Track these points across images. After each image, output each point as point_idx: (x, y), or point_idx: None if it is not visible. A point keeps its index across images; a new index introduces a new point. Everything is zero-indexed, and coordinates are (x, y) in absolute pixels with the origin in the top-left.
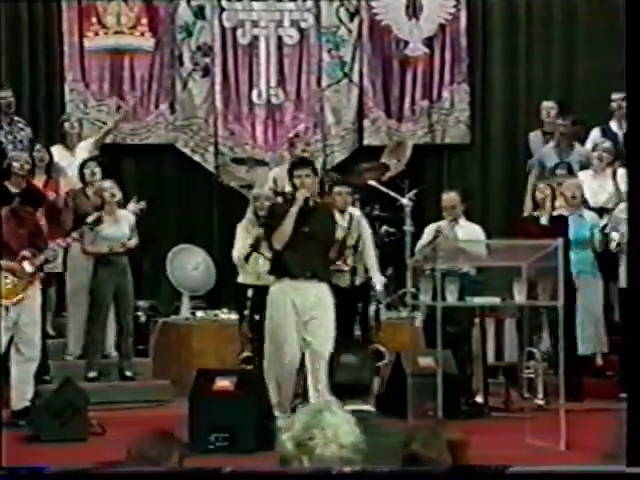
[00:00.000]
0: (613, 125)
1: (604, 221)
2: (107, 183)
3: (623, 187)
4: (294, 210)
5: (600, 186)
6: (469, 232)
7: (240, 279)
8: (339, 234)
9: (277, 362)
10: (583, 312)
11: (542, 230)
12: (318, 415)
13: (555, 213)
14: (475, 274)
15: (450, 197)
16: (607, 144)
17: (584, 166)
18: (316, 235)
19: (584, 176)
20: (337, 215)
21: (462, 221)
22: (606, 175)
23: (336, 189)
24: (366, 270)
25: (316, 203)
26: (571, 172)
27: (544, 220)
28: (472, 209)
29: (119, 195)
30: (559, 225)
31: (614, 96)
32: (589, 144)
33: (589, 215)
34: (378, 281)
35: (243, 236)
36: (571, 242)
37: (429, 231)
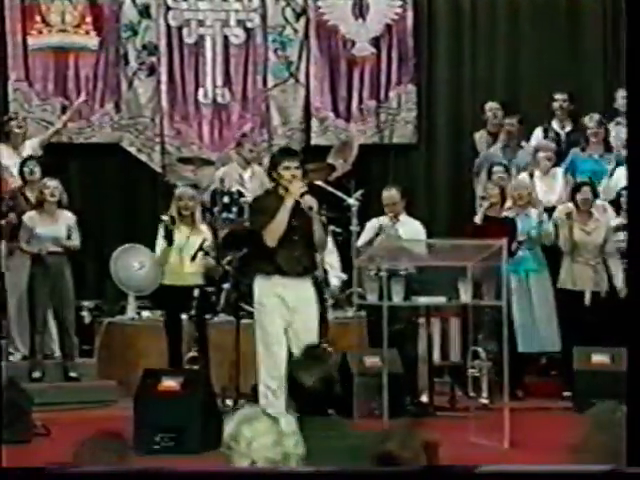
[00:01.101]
0: (555, 125)
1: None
2: (51, 182)
3: (560, 187)
4: (289, 204)
5: (548, 186)
6: (410, 228)
7: (165, 280)
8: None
9: (268, 364)
10: (534, 311)
11: (491, 231)
12: (240, 425)
13: (504, 214)
14: (419, 273)
15: (390, 194)
16: (553, 144)
17: (530, 165)
18: (305, 229)
19: (534, 176)
20: None
21: (403, 217)
22: (552, 175)
23: None
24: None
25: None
26: (508, 172)
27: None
28: (413, 205)
29: (58, 194)
30: (508, 225)
31: (557, 96)
32: (532, 144)
33: (534, 212)
34: (335, 277)
35: (165, 237)
36: (520, 241)
37: (370, 227)
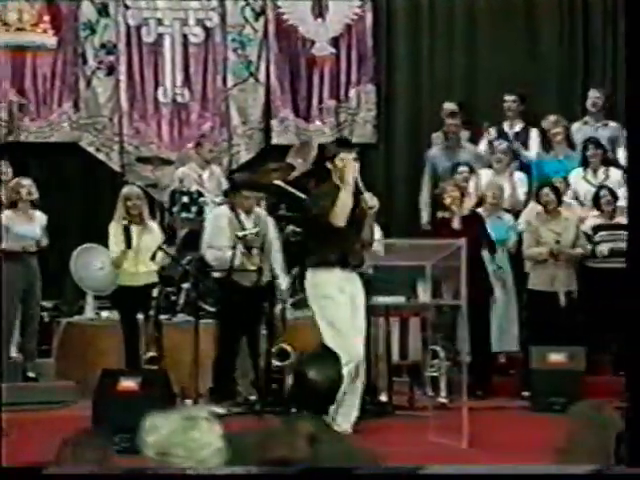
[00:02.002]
0: (505, 126)
1: (519, 221)
2: (25, 181)
3: (520, 190)
4: (349, 186)
5: (497, 186)
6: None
7: (120, 281)
8: (245, 233)
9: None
10: (498, 310)
11: (457, 231)
12: (187, 428)
13: (465, 213)
14: (378, 273)
15: None
16: (504, 145)
17: (474, 166)
18: (359, 224)
19: (485, 176)
20: (242, 216)
21: None
22: (504, 176)
23: (244, 192)
24: (272, 270)
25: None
26: (473, 171)
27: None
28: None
29: (36, 194)
30: (475, 225)
31: (506, 97)
32: (483, 145)
33: (507, 216)
34: (283, 281)
35: (120, 237)
36: (492, 242)
37: None
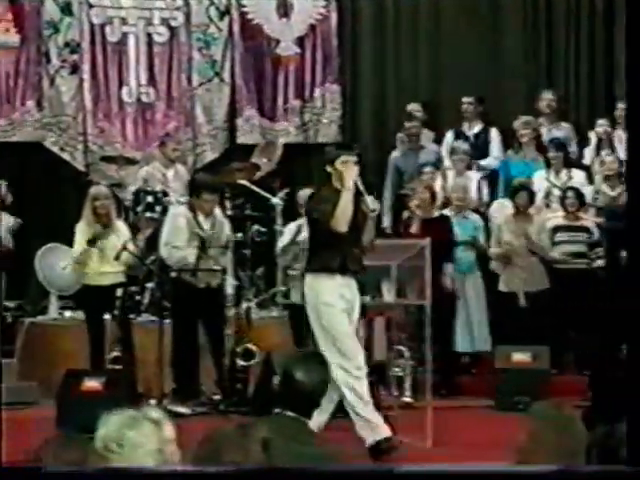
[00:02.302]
0: (464, 127)
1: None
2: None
3: (485, 190)
4: (349, 191)
5: (463, 187)
6: None
7: (86, 280)
8: (205, 234)
9: (347, 363)
10: (466, 311)
11: (424, 232)
12: (125, 426)
13: (436, 214)
14: None
15: (306, 193)
16: (465, 146)
17: (435, 167)
18: (360, 229)
19: (451, 177)
20: (201, 217)
21: None
22: (466, 176)
23: (205, 196)
24: (222, 271)
25: (357, 196)
26: (437, 172)
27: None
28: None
29: (6, 193)
30: (443, 225)
31: (464, 99)
32: (444, 146)
33: (473, 216)
34: (229, 285)
35: (84, 236)
36: (458, 243)
37: (290, 230)
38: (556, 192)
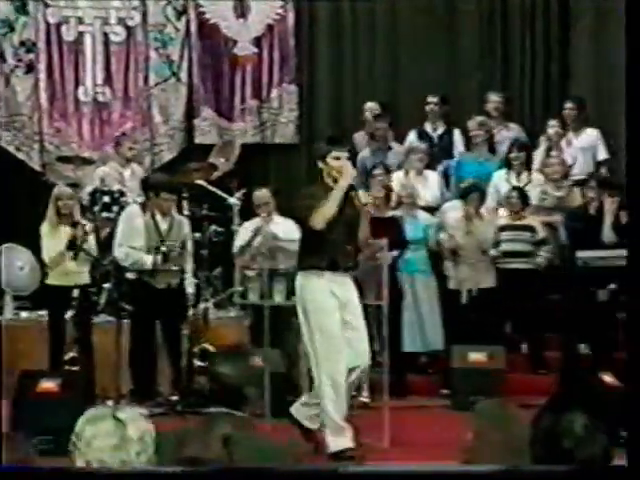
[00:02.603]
0: (427, 127)
1: (435, 220)
2: None
3: (442, 189)
4: (341, 189)
5: (424, 186)
6: (284, 228)
7: (49, 280)
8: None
9: (332, 366)
10: (417, 311)
11: (378, 230)
12: (84, 424)
13: (390, 213)
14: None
15: (262, 193)
16: (424, 146)
17: (401, 167)
18: (352, 225)
19: (396, 178)
20: (158, 217)
21: (276, 217)
22: (425, 176)
23: (163, 195)
24: (182, 272)
25: (348, 192)
26: (389, 172)
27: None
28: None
29: None
30: (392, 225)
31: (429, 99)
32: (406, 146)
33: (422, 215)
34: (189, 285)
35: (52, 237)
36: (408, 243)
37: (246, 229)
38: (533, 193)
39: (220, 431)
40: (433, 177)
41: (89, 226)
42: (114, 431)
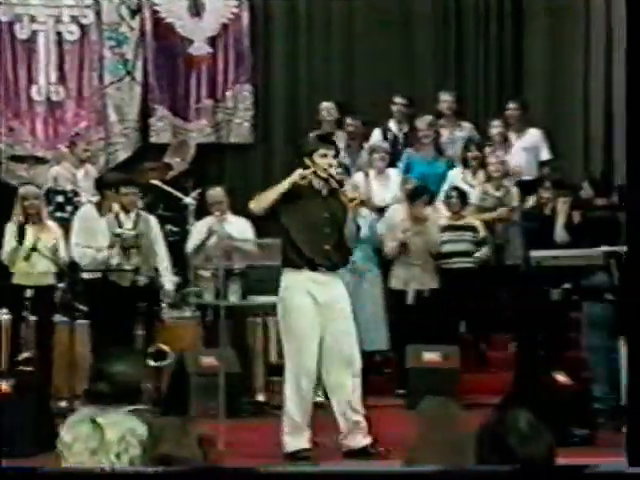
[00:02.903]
0: (392, 126)
1: (382, 219)
2: None
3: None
4: (289, 181)
5: (384, 185)
6: (238, 227)
7: (15, 280)
8: (127, 234)
9: (296, 363)
10: (365, 309)
11: None
12: (67, 428)
13: None
14: (257, 272)
15: (216, 192)
16: (386, 145)
17: (366, 165)
18: (337, 223)
19: (369, 176)
20: (122, 215)
21: (229, 216)
22: (386, 175)
23: (123, 190)
24: (150, 270)
25: (334, 189)
26: (348, 172)
27: None
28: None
29: None
30: None
31: (396, 99)
32: (370, 144)
33: (365, 212)
34: (168, 282)
35: (14, 236)
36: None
37: (199, 229)
38: (474, 193)
39: (196, 431)
40: (395, 176)
41: (55, 226)
42: (92, 435)
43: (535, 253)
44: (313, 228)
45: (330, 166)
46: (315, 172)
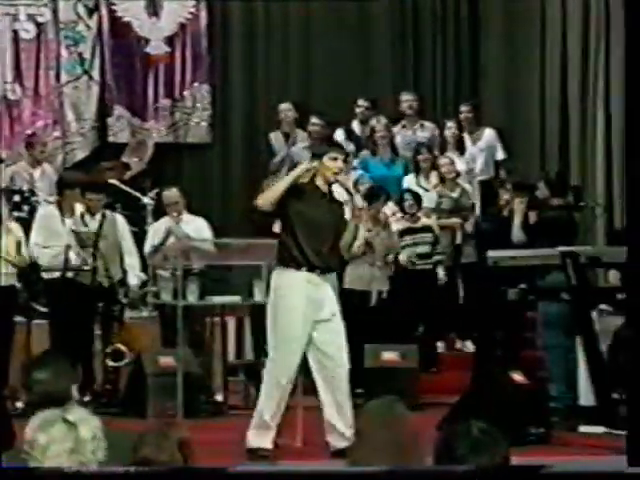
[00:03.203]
0: (355, 127)
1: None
2: None
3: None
4: (290, 177)
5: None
6: (195, 227)
7: None
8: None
9: (279, 360)
10: None
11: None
12: (36, 431)
13: None
14: (215, 273)
15: (172, 193)
16: (351, 146)
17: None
18: (334, 226)
19: None
20: (87, 217)
21: (185, 216)
22: (350, 177)
23: (88, 195)
24: (110, 271)
25: (330, 191)
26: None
27: None
28: (206, 204)
29: None
30: None
31: (360, 102)
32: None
33: None
34: (133, 278)
35: None
36: None
37: (156, 230)
38: (428, 196)
39: (177, 435)
40: (360, 174)
41: (17, 226)
42: (67, 435)
43: (492, 253)
44: (314, 229)
45: (340, 170)
46: (323, 173)
